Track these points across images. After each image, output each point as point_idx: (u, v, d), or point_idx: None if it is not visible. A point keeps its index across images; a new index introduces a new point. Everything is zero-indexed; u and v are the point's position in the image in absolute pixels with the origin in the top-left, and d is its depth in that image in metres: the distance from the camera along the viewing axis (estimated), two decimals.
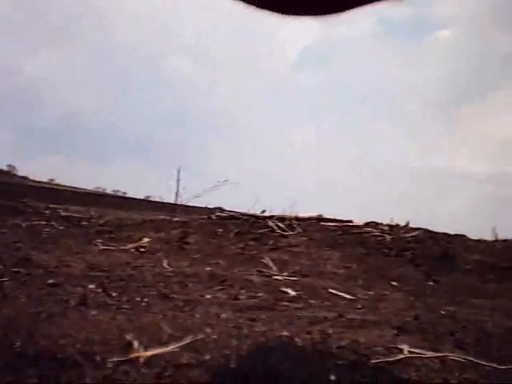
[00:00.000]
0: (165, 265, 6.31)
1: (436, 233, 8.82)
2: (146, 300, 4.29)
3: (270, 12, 1.55)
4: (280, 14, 1.56)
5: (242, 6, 1.53)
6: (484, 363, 3.02)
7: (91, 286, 4.69)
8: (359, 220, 9.72)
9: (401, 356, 3.03)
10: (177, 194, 11.18)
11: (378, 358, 2.96)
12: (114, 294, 4.41)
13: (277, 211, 9.79)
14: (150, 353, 2.66)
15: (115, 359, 2.59)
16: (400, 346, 3.20)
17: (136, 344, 2.77)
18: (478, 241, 8.75)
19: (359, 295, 5.36)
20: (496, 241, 8.83)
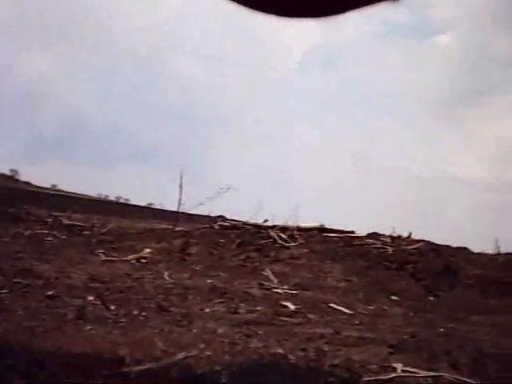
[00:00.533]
0: (165, 276, 6.30)
1: (438, 245, 8.76)
2: (143, 314, 4.29)
3: (271, 15, 1.57)
4: (280, 17, 1.57)
5: (246, 10, 1.54)
6: (478, 383, 3.00)
7: (90, 298, 4.70)
8: (361, 227, 9.69)
9: (394, 374, 3.01)
10: (179, 202, 11.15)
11: (370, 376, 2.94)
12: (113, 307, 4.41)
13: (279, 217, 9.76)
14: (141, 367, 2.66)
15: (106, 373, 2.59)
16: (394, 365, 3.19)
17: (128, 359, 2.77)
18: (480, 254, 8.70)
19: (359, 310, 5.34)
20: (498, 254, 8.78)
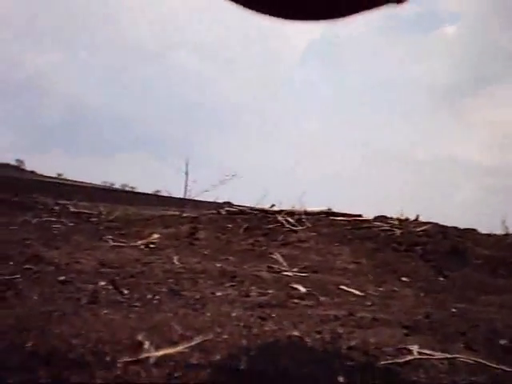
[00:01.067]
0: (175, 261, 6.32)
1: (446, 227, 8.79)
2: (157, 297, 4.30)
3: (271, 17, 1.55)
4: (282, 20, 1.56)
5: (248, 12, 1.53)
6: (493, 365, 3.01)
7: (102, 283, 4.71)
8: (368, 212, 9.71)
9: (410, 357, 3.02)
10: (185, 189, 11.17)
11: (387, 360, 2.95)
12: (125, 292, 4.43)
13: (286, 203, 9.79)
14: (160, 353, 2.67)
15: (125, 359, 2.60)
16: (410, 347, 3.19)
17: (147, 344, 2.78)
18: (489, 235, 8.72)
19: (369, 291, 5.35)
20: (506, 235, 8.79)
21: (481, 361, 3.04)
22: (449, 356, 3.08)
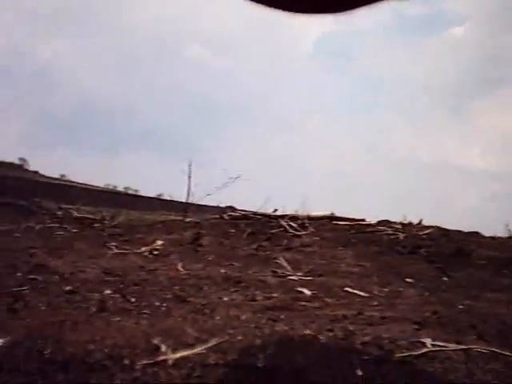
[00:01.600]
0: (179, 268, 6.33)
1: (450, 230, 8.83)
2: (164, 304, 4.31)
3: (278, 10, 1.57)
4: (286, 13, 1.58)
5: (255, 5, 1.55)
6: (508, 354, 3.03)
7: (108, 292, 4.72)
8: (371, 216, 9.74)
9: (424, 349, 3.05)
10: (188, 192, 11.16)
11: (402, 353, 2.97)
12: (133, 300, 4.43)
13: (289, 207, 9.81)
14: (177, 355, 2.69)
15: (144, 362, 2.62)
16: (423, 340, 3.22)
17: (163, 347, 2.80)
18: (492, 238, 8.76)
19: (375, 292, 5.37)
20: (510, 237, 8.83)
21: (495, 350, 3.07)
22: (463, 347, 3.11)
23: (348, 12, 1.57)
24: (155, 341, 2.91)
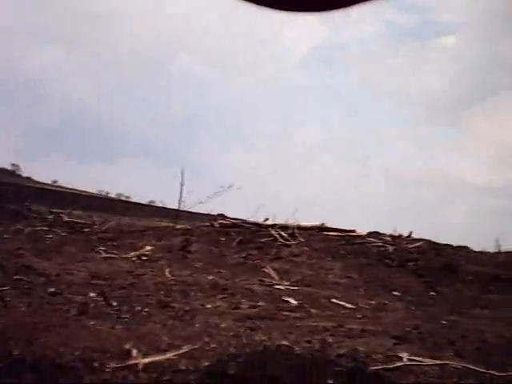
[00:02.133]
0: (167, 273, 6.30)
1: (439, 244, 8.81)
2: (146, 309, 4.28)
3: (270, 8, 1.57)
4: (278, 10, 1.58)
5: (244, 3, 1.55)
6: (483, 370, 3.02)
7: (92, 295, 4.70)
8: (362, 227, 9.72)
9: (400, 363, 3.03)
10: (180, 200, 11.13)
11: (376, 365, 2.95)
12: (115, 303, 4.41)
13: (280, 216, 9.78)
14: (147, 360, 2.67)
15: (113, 365, 2.60)
16: (399, 354, 3.21)
17: (134, 352, 2.78)
18: (481, 252, 8.75)
19: (360, 305, 5.35)
20: (498, 253, 8.82)
21: (470, 366, 3.06)
22: (439, 362, 3.09)
23: (338, 10, 1.57)
24: (127, 345, 2.89)
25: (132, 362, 2.63)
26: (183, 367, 2.66)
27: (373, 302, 5.55)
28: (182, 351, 2.86)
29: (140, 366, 2.58)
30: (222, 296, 5.26)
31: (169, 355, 2.77)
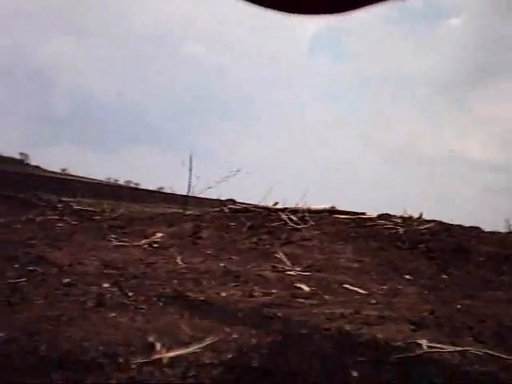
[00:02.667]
0: (178, 261, 6.33)
1: (450, 225, 8.81)
2: (162, 299, 4.29)
3: (274, 10, 1.56)
4: (283, 13, 1.57)
5: (250, 5, 1.54)
6: (504, 356, 3.03)
7: (106, 285, 4.71)
8: (372, 209, 9.73)
9: (420, 351, 3.04)
10: (189, 186, 11.16)
11: (398, 354, 2.96)
12: (130, 294, 4.42)
13: (290, 199, 9.80)
14: (172, 354, 2.68)
15: (139, 361, 2.61)
16: (419, 341, 3.21)
17: (158, 345, 2.79)
18: (492, 233, 8.75)
19: (374, 290, 5.37)
20: (510, 232, 8.82)
21: (491, 352, 3.06)
22: (459, 349, 3.10)
23: (347, 13, 1.56)
24: (150, 338, 2.90)
25: (157, 356, 2.64)
26: (207, 361, 2.67)
27: (385, 287, 5.56)
28: (204, 344, 2.88)
29: (165, 361, 2.60)
30: (234, 284, 5.28)
31: (192, 348, 2.78)
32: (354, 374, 2.57)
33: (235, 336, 3.14)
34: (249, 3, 1.52)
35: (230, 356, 2.76)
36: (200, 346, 2.83)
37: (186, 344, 2.86)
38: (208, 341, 2.90)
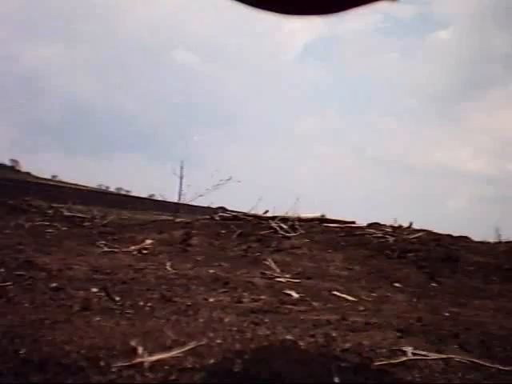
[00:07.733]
0: (168, 267, 6.31)
1: (439, 234, 8.84)
2: (149, 304, 4.28)
3: (267, 12, 1.56)
4: (276, 14, 1.57)
5: (243, 6, 1.53)
6: (488, 364, 3.02)
7: (94, 290, 4.68)
8: (362, 218, 9.76)
9: (404, 358, 3.03)
10: (180, 193, 11.18)
11: (381, 361, 2.96)
12: (117, 298, 4.40)
13: (280, 208, 9.80)
14: (153, 358, 2.66)
15: (120, 364, 2.60)
16: (403, 348, 3.20)
17: (140, 349, 2.77)
18: (481, 242, 8.78)
19: (362, 297, 5.37)
20: (499, 242, 8.86)
21: (475, 360, 3.06)
22: (443, 356, 3.09)
23: (338, 14, 1.56)
24: (133, 342, 2.88)
25: (138, 360, 2.62)
26: (189, 365, 2.65)
27: (374, 294, 5.57)
28: (187, 348, 2.86)
29: (146, 365, 2.58)
30: (223, 290, 5.26)
31: (174, 353, 2.76)
32: (336, 379, 2.56)
33: (219, 341, 3.13)
34: (242, 4, 1.52)
35: (212, 361, 2.74)
36: (182, 350, 2.81)
37: (169, 348, 2.85)
38: (191, 345, 2.89)
